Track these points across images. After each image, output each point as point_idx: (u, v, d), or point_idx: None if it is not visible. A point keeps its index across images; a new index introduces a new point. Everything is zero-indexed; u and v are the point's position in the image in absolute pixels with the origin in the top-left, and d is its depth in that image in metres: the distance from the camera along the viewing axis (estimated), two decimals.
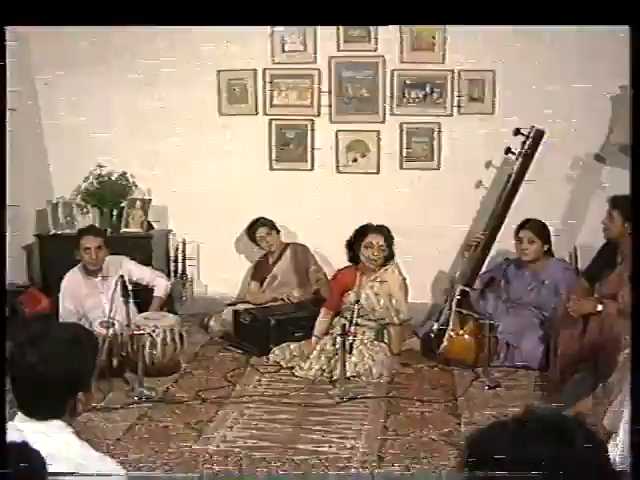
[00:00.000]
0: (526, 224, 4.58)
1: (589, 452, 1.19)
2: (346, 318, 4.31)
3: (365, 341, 4.35)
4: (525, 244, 4.56)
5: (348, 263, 4.65)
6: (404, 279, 4.55)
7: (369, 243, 4.47)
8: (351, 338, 4.06)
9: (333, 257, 5.13)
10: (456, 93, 5.19)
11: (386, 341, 4.47)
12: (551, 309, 4.42)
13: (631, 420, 1.80)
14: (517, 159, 4.51)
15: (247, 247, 5.47)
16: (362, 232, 4.52)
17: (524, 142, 4.49)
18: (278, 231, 5.24)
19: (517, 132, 4.52)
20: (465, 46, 5.07)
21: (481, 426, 1.30)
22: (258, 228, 5.19)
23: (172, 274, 5.51)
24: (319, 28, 5.17)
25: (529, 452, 1.17)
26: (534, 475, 1.15)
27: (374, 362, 4.24)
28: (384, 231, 4.52)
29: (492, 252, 4.74)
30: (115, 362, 4.14)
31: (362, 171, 5.37)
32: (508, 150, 4.58)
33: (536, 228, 4.56)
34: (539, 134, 4.49)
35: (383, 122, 5.31)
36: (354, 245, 4.55)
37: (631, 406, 1.87)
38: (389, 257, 4.54)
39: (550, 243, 4.63)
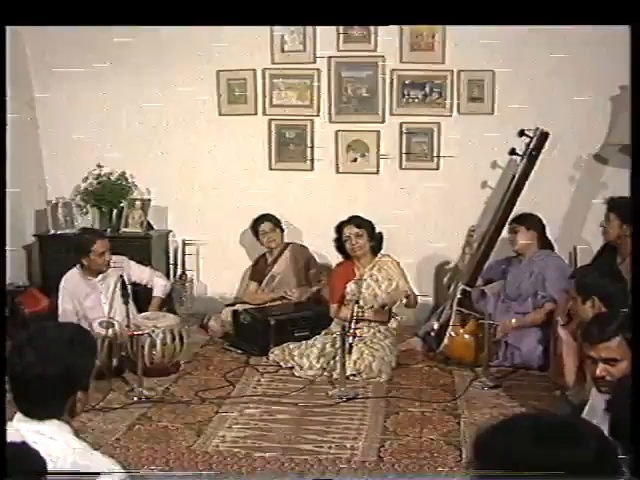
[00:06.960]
0: (515, 219, 4.61)
1: (599, 454, 1.18)
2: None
3: (365, 339, 4.36)
4: (512, 235, 4.62)
5: None
6: (398, 262, 4.72)
7: (346, 237, 4.67)
8: (351, 338, 4.08)
9: (333, 257, 5.13)
10: (456, 93, 5.19)
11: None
12: (547, 300, 4.41)
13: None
14: (521, 160, 4.49)
15: (250, 246, 5.47)
16: (337, 230, 4.73)
17: (528, 143, 4.47)
18: (282, 230, 5.24)
19: (522, 133, 4.49)
20: (465, 46, 5.06)
21: (487, 425, 1.28)
22: (262, 222, 5.19)
23: (172, 274, 5.50)
24: (319, 28, 5.17)
25: (537, 454, 1.17)
26: (540, 476, 1.14)
27: (374, 358, 4.25)
28: (355, 220, 4.69)
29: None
30: (115, 362, 4.13)
31: (362, 171, 5.36)
32: (513, 151, 4.56)
33: (521, 218, 4.60)
34: (544, 136, 4.46)
35: (383, 122, 5.30)
36: (339, 245, 4.76)
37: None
38: (376, 247, 4.72)
39: (539, 230, 4.61)
